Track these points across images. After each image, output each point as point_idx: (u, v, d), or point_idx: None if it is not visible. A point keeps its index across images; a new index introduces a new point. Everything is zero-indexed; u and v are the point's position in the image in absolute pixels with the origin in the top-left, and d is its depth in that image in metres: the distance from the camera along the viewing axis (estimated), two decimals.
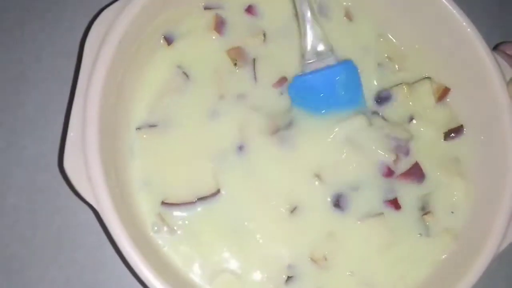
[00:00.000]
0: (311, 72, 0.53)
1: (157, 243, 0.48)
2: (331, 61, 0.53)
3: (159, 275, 0.42)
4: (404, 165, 0.54)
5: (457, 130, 0.55)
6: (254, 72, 0.54)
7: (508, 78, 0.52)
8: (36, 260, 0.52)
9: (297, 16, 0.53)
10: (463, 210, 0.53)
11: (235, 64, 0.54)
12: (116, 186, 0.44)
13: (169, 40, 0.53)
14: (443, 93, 0.56)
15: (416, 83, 0.56)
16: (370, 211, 0.51)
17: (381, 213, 0.51)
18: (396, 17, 0.57)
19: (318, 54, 0.53)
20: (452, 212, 0.53)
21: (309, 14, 0.51)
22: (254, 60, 0.54)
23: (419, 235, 0.52)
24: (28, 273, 0.52)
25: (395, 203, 0.52)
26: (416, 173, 0.53)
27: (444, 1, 0.52)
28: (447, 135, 0.55)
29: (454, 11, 0.52)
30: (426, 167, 0.54)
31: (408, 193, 0.53)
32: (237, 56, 0.54)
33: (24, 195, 0.53)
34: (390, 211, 0.52)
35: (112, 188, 0.43)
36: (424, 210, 0.53)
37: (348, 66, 0.53)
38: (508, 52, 0.56)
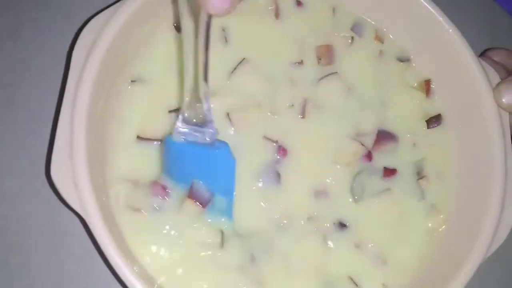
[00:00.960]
0: (186, 142, 0.44)
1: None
2: (209, 135, 0.44)
3: (148, 284, 0.42)
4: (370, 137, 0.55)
5: (437, 119, 0.57)
6: None
7: (493, 82, 0.53)
8: (25, 268, 0.52)
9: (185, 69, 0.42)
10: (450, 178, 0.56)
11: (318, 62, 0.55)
12: (103, 195, 0.44)
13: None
14: (427, 86, 0.57)
15: None
16: (375, 191, 0.53)
17: (388, 189, 0.54)
18: (383, 21, 0.58)
19: (197, 120, 0.44)
20: (440, 180, 0.56)
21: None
22: None
23: (417, 201, 0.54)
24: (16, 281, 0.52)
25: (389, 171, 0.54)
26: (384, 136, 0.55)
27: (431, 9, 0.53)
28: (428, 123, 0.57)
29: (441, 18, 0.53)
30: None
31: (396, 157, 0.55)
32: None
33: (13, 203, 0.53)
34: (391, 181, 0.54)
35: (99, 197, 0.43)
36: (420, 175, 0.55)
37: (226, 154, 0.45)
38: (494, 58, 0.57)
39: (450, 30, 0.53)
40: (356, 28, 0.58)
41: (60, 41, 0.58)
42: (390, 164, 0.55)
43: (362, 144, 0.54)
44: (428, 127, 0.57)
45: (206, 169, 0.46)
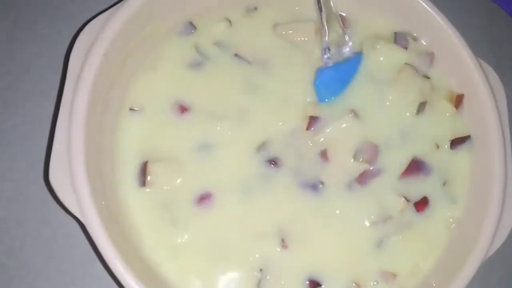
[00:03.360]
0: (337, 65, 0.55)
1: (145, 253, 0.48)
2: (347, 53, 0.55)
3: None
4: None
5: (463, 140, 0.55)
6: None
7: (492, 82, 0.53)
8: (24, 272, 0.52)
9: (321, 12, 0.54)
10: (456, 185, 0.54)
11: None
12: (102, 199, 0.44)
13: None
14: (457, 100, 0.55)
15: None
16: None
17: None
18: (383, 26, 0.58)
19: (338, 48, 0.55)
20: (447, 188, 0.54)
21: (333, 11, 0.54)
22: None
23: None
24: (16, 285, 0.51)
25: (421, 205, 0.52)
26: (417, 167, 0.53)
27: (432, 12, 0.54)
28: (452, 144, 0.55)
29: (440, 20, 0.54)
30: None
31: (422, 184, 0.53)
32: None
33: (12, 207, 0.53)
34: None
35: (98, 201, 0.43)
36: (444, 181, 0.54)
37: (360, 58, 0.55)
38: None
39: (449, 31, 0.53)
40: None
41: (59, 44, 0.58)
42: (418, 193, 0.53)
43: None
44: (451, 148, 0.55)
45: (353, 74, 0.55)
